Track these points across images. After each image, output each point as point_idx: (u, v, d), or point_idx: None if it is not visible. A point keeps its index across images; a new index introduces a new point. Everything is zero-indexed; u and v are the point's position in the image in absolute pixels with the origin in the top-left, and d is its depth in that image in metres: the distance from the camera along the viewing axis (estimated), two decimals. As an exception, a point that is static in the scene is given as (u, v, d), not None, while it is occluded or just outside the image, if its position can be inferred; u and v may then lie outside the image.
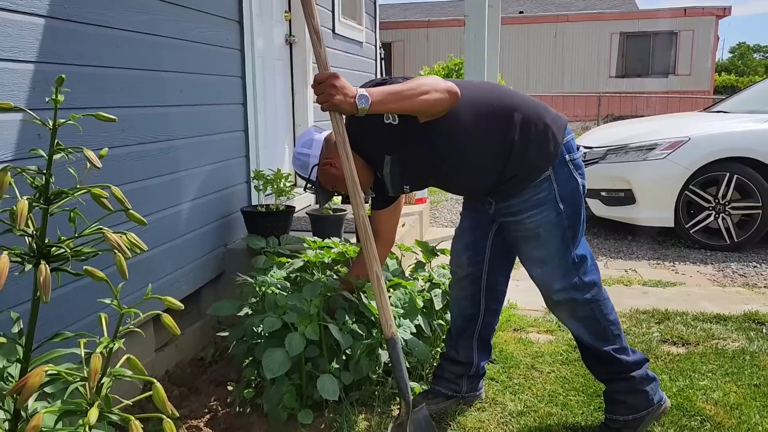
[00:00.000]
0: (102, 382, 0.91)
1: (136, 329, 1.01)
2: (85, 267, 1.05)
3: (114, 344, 0.94)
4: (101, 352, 0.91)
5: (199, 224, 2.89)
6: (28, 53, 1.86)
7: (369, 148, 2.06)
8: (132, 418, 0.90)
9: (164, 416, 0.93)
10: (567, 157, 2.01)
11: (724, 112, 5.84)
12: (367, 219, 1.94)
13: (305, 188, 2.28)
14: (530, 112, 1.99)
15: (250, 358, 2.40)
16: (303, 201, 4.20)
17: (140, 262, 2.37)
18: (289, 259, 2.67)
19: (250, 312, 2.37)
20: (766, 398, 2.40)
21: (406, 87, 1.87)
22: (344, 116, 1.89)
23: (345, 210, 3.30)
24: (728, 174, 4.76)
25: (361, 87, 1.88)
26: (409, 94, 1.86)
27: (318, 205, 3.31)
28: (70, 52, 2.02)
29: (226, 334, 2.49)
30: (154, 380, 0.95)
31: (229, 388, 2.43)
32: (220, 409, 2.39)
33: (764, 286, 3.99)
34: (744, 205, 4.81)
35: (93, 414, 0.83)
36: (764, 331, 3.09)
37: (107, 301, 1.03)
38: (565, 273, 2.04)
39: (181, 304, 1.09)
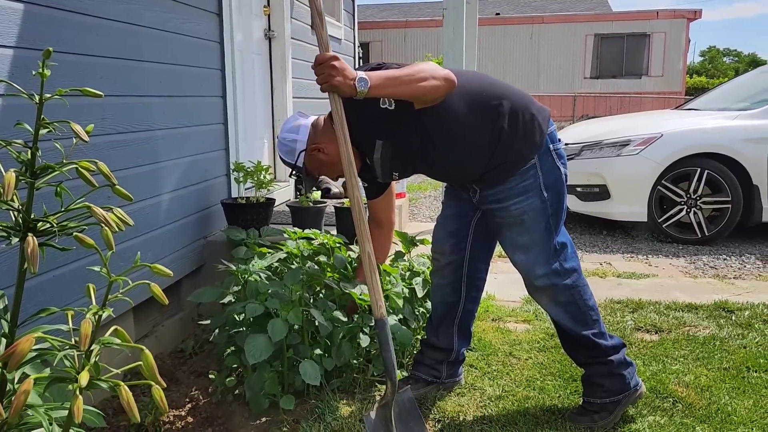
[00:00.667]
0: (91, 349, 0.92)
1: (125, 298, 1.02)
2: (75, 233, 1.06)
3: (103, 312, 0.95)
4: (90, 319, 0.92)
5: (178, 216, 2.88)
6: (7, 38, 1.85)
7: (361, 132, 2.02)
8: (121, 383, 0.91)
9: (153, 384, 0.94)
10: (551, 146, 2.07)
11: (696, 109, 5.98)
12: (361, 200, 1.96)
13: (290, 174, 2.28)
14: (518, 102, 2.04)
15: (232, 347, 2.40)
16: (283, 194, 4.21)
17: (119, 252, 2.37)
18: (269, 251, 2.68)
19: (232, 300, 2.38)
20: (735, 381, 2.48)
21: (405, 73, 1.89)
22: (342, 98, 1.90)
23: (325, 202, 3.32)
24: (699, 169, 4.88)
25: (360, 70, 1.89)
26: (408, 80, 1.88)
27: (301, 193, 3.32)
28: (49, 38, 2.01)
29: (208, 322, 2.49)
30: (143, 348, 0.97)
31: (211, 377, 2.44)
32: (201, 398, 2.39)
33: (734, 278, 4.09)
34: (714, 200, 4.93)
35: (84, 377, 0.84)
36: (733, 318, 3.18)
37: (96, 268, 1.04)
38: (547, 259, 2.09)
39: (170, 272, 1.10)
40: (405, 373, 2.45)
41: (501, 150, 2.01)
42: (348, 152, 1.91)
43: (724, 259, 4.55)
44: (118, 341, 0.99)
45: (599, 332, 2.17)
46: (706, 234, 4.96)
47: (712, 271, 4.27)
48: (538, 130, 2.04)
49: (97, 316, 0.94)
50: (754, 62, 49.38)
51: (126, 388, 0.91)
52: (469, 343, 2.51)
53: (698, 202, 4.94)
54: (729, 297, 3.52)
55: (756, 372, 2.56)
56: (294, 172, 2.24)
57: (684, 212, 4.98)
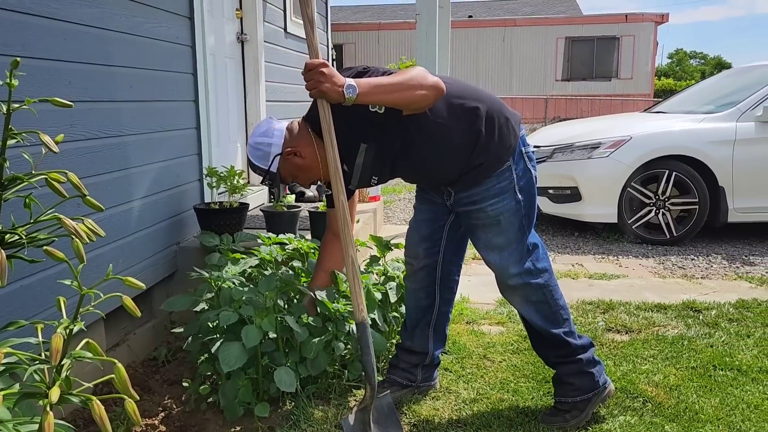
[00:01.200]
0: (62, 363, 0.91)
1: (96, 311, 1.01)
2: (45, 248, 1.04)
3: (74, 325, 0.94)
4: (61, 333, 0.91)
5: (150, 222, 2.85)
6: (-28, 44, 1.81)
7: (346, 136, 2.01)
8: (93, 398, 0.90)
9: (126, 397, 0.93)
10: (523, 149, 2.13)
11: (663, 112, 6.10)
12: (347, 204, 1.97)
13: (262, 181, 2.24)
14: (493, 106, 2.09)
15: (206, 355, 2.38)
16: (257, 198, 4.19)
17: (90, 260, 2.33)
18: (243, 256, 2.67)
19: (205, 307, 2.36)
20: (702, 379, 2.54)
21: (394, 81, 1.91)
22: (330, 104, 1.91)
23: (300, 207, 3.31)
24: (667, 171, 4.98)
25: (348, 77, 1.90)
26: (397, 88, 1.90)
27: (275, 197, 3.29)
28: (14, 42, 1.97)
29: (181, 330, 2.47)
30: (115, 361, 0.96)
31: (184, 385, 2.41)
32: (174, 407, 2.37)
33: (701, 277, 4.19)
34: (682, 201, 5.04)
35: (54, 393, 0.83)
36: (701, 318, 3.26)
37: (67, 282, 1.03)
38: (521, 258, 2.14)
39: (142, 284, 1.09)
40: (380, 378, 2.46)
41: (478, 152, 2.05)
42: (335, 157, 1.92)
43: (692, 260, 4.65)
44: (90, 355, 0.98)
45: (569, 331, 2.22)
46: (675, 235, 5.06)
47: (680, 271, 4.36)
48: (512, 133, 2.09)
49: (68, 330, 0.93)
50: (719, 65, 50.53)
51: (98, 402, 0.90)
52: (443, 345, 2.53)
53: (666, 204, 5.04)
54: (696, 297, 3.60)
55: (722, 370, 2.62)
56: (266, 179, 2.18)
57: (653, 213, 5.08)
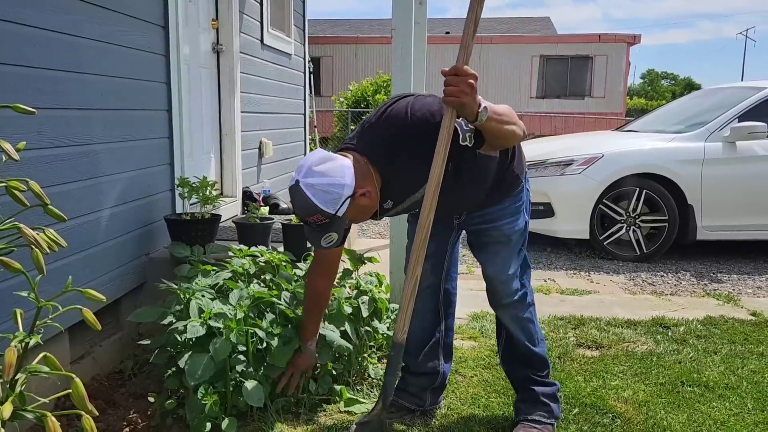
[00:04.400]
0: (17, 378, 0.88)
1: (55, 324, 0.98)
2: (1, 258, 1.01)
3: (30, 339, 0.91)
4: (15, 347, 0.88)
5: (119, 232, 2.80)
6: (-64, 47, 1.77)
7: (424, 166, 1.82)
8: (48, 414, 0.87)
9: (83, 413, 0.90)
10: (527, 170, 2.19)
11: (634, 131, 6.21)
12: (431, 224, 1.85)
13: (314, 224, 1.83)
14: None
15: (173, 369, 2.33)
16: (230, 209, 4.14)
17: (55, 270, 2.27)
18: (214, 268, 2.63)
19: (173, 320, 2.32)
20: (670, 395, 2.56)
21: (506, 112, 1.85)
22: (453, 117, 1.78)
23: (273, 219, 3.29)
24: (638, 189, 5.06)
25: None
26: (509, 120, 1.85)
27: (248, 210, 3.24)
28: (-18, 48, 1.93)
29: (148, 342, 2.42)
30: (73, 375, 0.93)
31: (150, 399, 2.36)
32: (140, 421, 2.31)
33: (670, 294, 4.25)
34: (652, 219, 5.12)
35: (6, 409, 0.80)
36: (669, 334, 3.30)
37: (24, 294, 1.00)
38: (521, 275, 2.18)
39: (103, 297, 1.07)
40: (351, 392, 2.42)
41: (504, 173, 2.04)
42: (440, 173, 1.79)
43: (661, 276, 4.72)
44: (47, 369, 0.95)
45: (545, 350, 2.27)
46: (645, 251, 5.13)
47: (650, 287, 4.42)
48: (522, 153, 2.14)
49: (23, 344, 0.90)
50: (689, 86, 51.82)
51: (53, 418, 0.87)
52: (451, 360, 2.47)
53: (637, 221, 5.12)
54: (666, 313, 3.65)
55: (690, 387, 2.65)
56: (320, 224, 1.83)
57: (624, 230, 5.15)
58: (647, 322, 3.48)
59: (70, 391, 0.94)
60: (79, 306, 1.03)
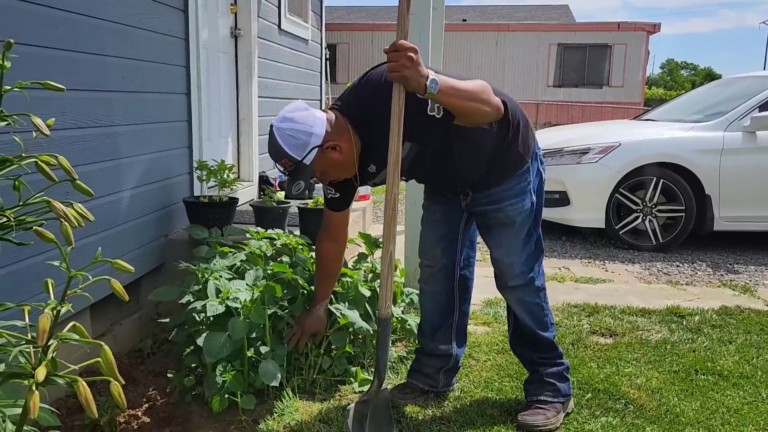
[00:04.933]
0: (49, 344, 0.91)
1: (85, 293, 1.01)
2: (35, 227, 1.04)
3: (61, 307, 0.94)
4: (48, 313, 0.91)
5: (139, 213, 2.84)
6: (-36, 28, 1.81)
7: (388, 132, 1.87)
8: (79, 379, 0.90)
9: (111, 379, 0.94)
10: (537, 151, 2.16)
11: (652, 120, 6.16)
12: (397, 198, 1.88)
13: (286, 171, 1.96)
14: (516, 107, 2.08)
15: (192, 347, 2.38)
16: (247, 193, 4.18)
17: (79, 248, 2.31)
18: (231, 250, 2.67)
19: (192, 299, 2.36)
20: (684, 383, 2.57)
21: (469, 89, 1.84)
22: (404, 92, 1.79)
23: (289, 203, 3.32)
24: (655, 178, 5.02)
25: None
26: (470, 97, 1.84)
27: (265, 193, 3.27)
28: (8, 29, 1.97)
29: (167, 320, 2.46)
30: (102, 343, 0.96)
31: (169, 376, 2.41)
32: (158, 398, 2.36)
33: (686, 284, 4.23)
34: (669, 208, 5.08)
35: (41, 372, 0.83)
36: (684, 323, 3.29)
37: (56, 263, 1.03)
38: (527, 259, 2.17)
39: (131, 267, 1.10)
40: (366, 373, 2.46)
41: (504, 153, 2.05)
42: (398, 148, 1.82)
43: (677, 266, 4.69)
44: (77, 337, 0.98)
45: (554, 335, 2.27)
46: (661, 241, 5.11)
47: (665, 277, 4.40)
48: (531, 134, 2.13)
49: (55, 312, 0.93)
50: (709, 76, 51.04)
51: (84, 383, 0.90)
52: (465, 344, 2.50)
53: (653, 210, 5.08)
54: (681, 303, 3.64)
55: (704, 375, 2.65)
56: (290, 170, 1.94)
57: (640, 220, 5.12)
58: (662, 311, 3.47)
59: (98, 359, 0.98)
60: (108, 277, 1.06)
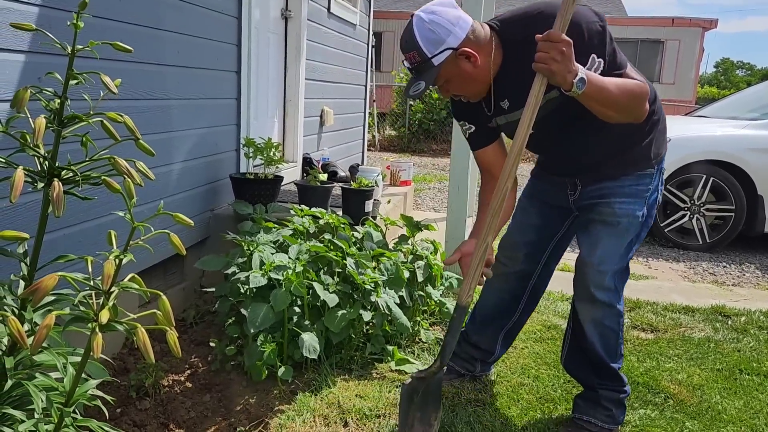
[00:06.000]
0: (111, 291, 0.95)
1: (146, 246, 1.06)
2: (103, 177, 1.09)
3: (124, 256, 0.99)
4: (113, 260, 0.95)
5: (188, 186, 2.91)
6: (34, -3, 1.88)
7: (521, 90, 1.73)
8: (138, 325, 0.95)
9: (168, 329, 0.98)
10: (662, 167, 2.01)
11: (705, 116, 5.99)
12: (507, 194, 1.76)
13: (410, 66, 1.79)
14: (660, 108, 1.98)
15: (233, 318, 2.44)
16: (291, 173, 4.24)
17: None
18: (275, 226, 2.71)
19: (236, 270, 2.41)
20: (727, 381, 2.51)
21: (617, 97, 1.71)
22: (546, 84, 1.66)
23: (333, 184, 3.35)
24: (704, 176, 4.89)
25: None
26: (615, 107, 1.72)
27: (308, 173, 3.30)
28: (73, 1, 2.03)
29: (212, 290, 2.53)
30: (160, 293, 1.00)
31: (211, 345, 2.47)
32: (200, 366, 2.43)
33: (732, 285, 4.12)
34: (718, 208, 4.95)
35: (104, 315, 0.88)
36: (729, 323, 3.21)
37: (121, 213, 1.07)
38: (616, 273, 1.99)
39: (191, 221, 1.14)
40: (403, 354, 2.48)
41: (634, 144, 1.92)
42: (526, 135, 1.70)
43: (724, 267, 4.57)
44: (136, 286, 1.02)
45: (621, 365, 2.11)
46: (708, 241, 4.98)
47: (711, 277, 4.30)
48: (665, 144, 2.00)
49: (117, 260, 0.97)
50: (766, 77, 49.21)
51: (143, 329, 0.94)
52: (509, 346, 2.44)
53: (701, 209, 4.96)
54: (726, 302, 3.55)
55: (748, 375, 2.59)
56: (413, 65, 1.78)
57: (687, 218, 5.00)
58: (706, 310, 3.39)
59: (155, 310, 1.01)
60: (167, 230, 1.10)
